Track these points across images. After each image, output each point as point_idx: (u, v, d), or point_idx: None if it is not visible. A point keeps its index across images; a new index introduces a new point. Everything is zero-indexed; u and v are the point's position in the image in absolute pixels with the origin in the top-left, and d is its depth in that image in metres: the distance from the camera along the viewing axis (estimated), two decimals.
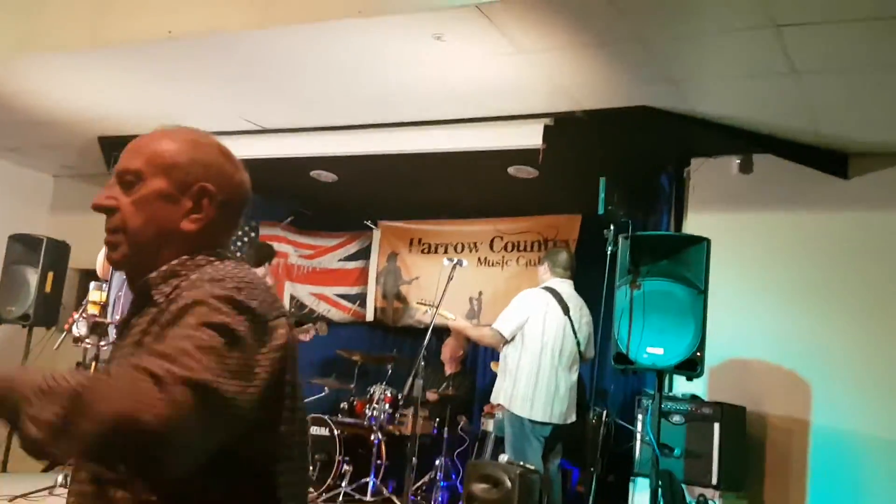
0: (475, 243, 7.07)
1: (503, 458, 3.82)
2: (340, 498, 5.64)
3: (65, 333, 4.06)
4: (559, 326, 4.40)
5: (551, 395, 4.28)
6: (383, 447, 5.91)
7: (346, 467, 5.75)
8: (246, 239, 7.28)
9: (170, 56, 4.54)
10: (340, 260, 7.49)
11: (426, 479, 6.07)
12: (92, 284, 4.26)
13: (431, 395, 6.28)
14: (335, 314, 7.36)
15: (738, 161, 4.93)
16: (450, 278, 4.40)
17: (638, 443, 4.39)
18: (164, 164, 1.29)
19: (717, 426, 4.17)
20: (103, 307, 3.98)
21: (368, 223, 7.38)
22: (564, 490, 5.38)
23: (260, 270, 5.49)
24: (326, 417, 5.95)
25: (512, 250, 6.92)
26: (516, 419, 4.22)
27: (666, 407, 4.31)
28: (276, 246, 7.39)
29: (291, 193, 7.23)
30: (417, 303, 4.87)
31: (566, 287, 4.60)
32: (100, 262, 4.27)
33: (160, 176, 1.28)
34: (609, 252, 3.64)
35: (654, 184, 5.38)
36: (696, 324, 3.44)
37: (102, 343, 3.91)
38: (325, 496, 5.65)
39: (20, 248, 5.90)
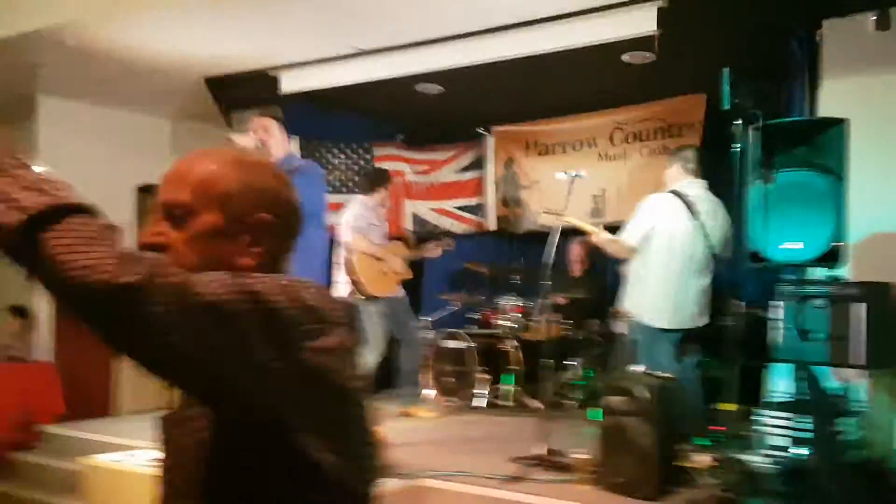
0: (593, 139, 6.83)
1: (638, 368, 3.76)
2: (482, 404, 5.82)
3: None
4: (687, 232, 4.19)
5: (680, 301, 4.14)
6: (519, 353, 6.01)
7: (484, 376, 5.90)
8: (361, 163, 7.38)
9: None
10: (457, 172, 7.47)
11: (563, 380, 6.15)
12: None
13: (560, 299, 6.27)
14: (458, 227, 7.41)
15: (874, 18, 4.41)
16: (570, 193, 4.28)
17: (778, 330, 4.22)
18: (216, 196, 1.15)
19: (863, 306, 3.92)
20: None
21: (480, 130, 7.26)
22: (704, 381, 5.30)
23: (376, 196, 5.57)
24: (461, 331, 6.10)
25: (633, 141, 6.63)
26: (646, 326, 4.13)
27: (807, 291, 4.09)
28: (391, 165, 7.46)
29: (400, 111, 7.22)
30: (545, 212, 4.78)
31: (695, 188, 4.34)
32: None
33: (213, 209, 1.15)
34: (740, 149, 3.37)
35: (784, 54, 4.94)
36: (837, 213, 3.17)
37: None
38: (466, 404, 5.86)
39: (149, 197, 6.25)
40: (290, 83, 5.99)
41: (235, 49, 5.61)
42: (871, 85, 4.45)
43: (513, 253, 7.20)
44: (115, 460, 3.64)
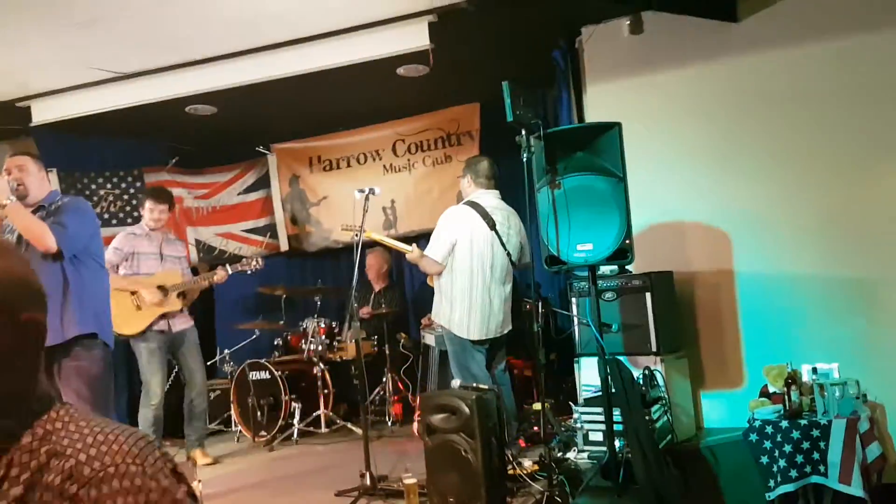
0: (377, 151, 6.82)
1: (455, 383, 3.78)
2: (295, 435, 5.59)
3: None
4: (486, 243, 4.28)
5: (486, 313, 4.24)
6: (328, 376, 5.85)
7: (294, 405, 5.66)
8: (132, 191, 6.78)
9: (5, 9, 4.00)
10: (240, 193, 7.11)
11: (376, 395, 6.09)
12: None
13: (364, 312, 6.20)
14: (247, 250, 7.06)
15: (628, 22, 4.79)
16: (365, 210, 4.18)
17: (576, 325, 4.44)
18: None
19: (648, 295, 4.24)
20: None
21: (261, 149, 6.97)
22: (513, 382, 5.48)
23: (142, 221, 5.22)
24: (264, 361, 5.80)
25: (416, 152, 6.71)
26: (456, 339, 4.18)
27: (598, 286, 4.34)
28: None
29: (171, 134, 6.73)
30: (344, 229, 4.61)
31: (490, 198, 4.43)
32: None
33: None
34: (526, 159, 3.48)
35: (549, 64, 5.21)
36: (621, 212, 3.37)
37: None
38: (280, 437, 5.59)
39: None
40: (43, 113, 5.35)
41: None
42: (632, 86, 4.81)
43: (308, 274, 7.02)
44: None
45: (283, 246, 7.01)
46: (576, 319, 4.43)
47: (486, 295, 4.23)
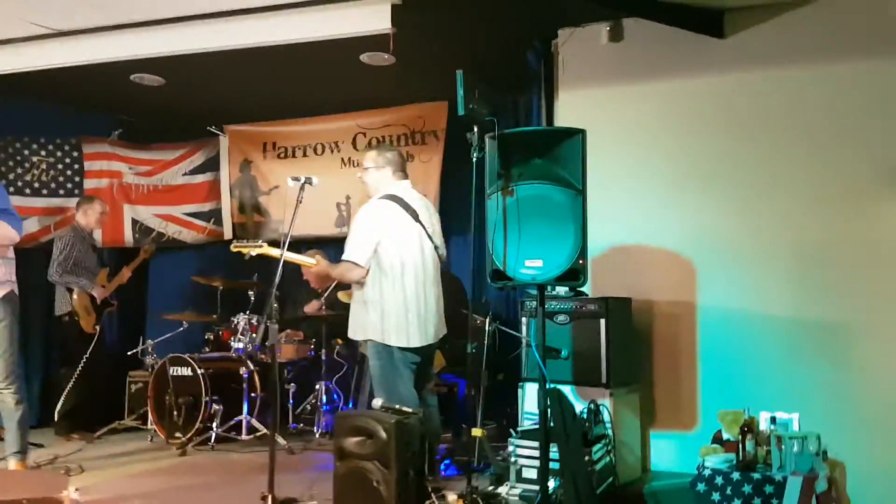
0: (336, 143, 6.42)
1: (377, 402, 3.37)
2: (212, 441, 5.14)
3: None
4: (413, 237, 3.86)
5: (422, 315, 3.79)
6: (256, 378, 5.43)
7: (215, 407, 5.22)
8: (67, 160, 6.31)
9: None
10: (185, 174, 6.66)
11: (307, 404, 5.68)
12: None
13: (313, 307, 5.75)
14: (187, 235, 6.62)
15: (608, 28, 4.49)
16: (299, 200, 3.72)
17: (523, 347, 4.10)
18: None
19: (602, 322, 3.91)
20: None
21: (213, 129, 6.54)
22: (453, 402, 5.10)
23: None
24: (186, 356, 5.35)
25: (377, 147, 6.32)
26: (384, 351, 3.72)
27: (549, 307, 4.00)
28: (105, 164, 6.51)
29: (113, 103, 6.27)
30: (236, 246, 4.06)
31: (406, 188, 3.99)
32: None
33: None
34: (475, 158, 3.12)
35: (522, 63, 4.87)
36: (577, 229, 3.01)
37: None
38: (195, 440, 5.15)
39: None
40: None
41: None
42: (607, 96, 4.49)
43: (249, 267, 6.57)
44: None
45: (228, 234, 6.57)
46: (524, 341, 4.09)
47: (422, 295, 3.78)
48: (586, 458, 3.21)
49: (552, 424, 3.05)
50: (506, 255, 3.06)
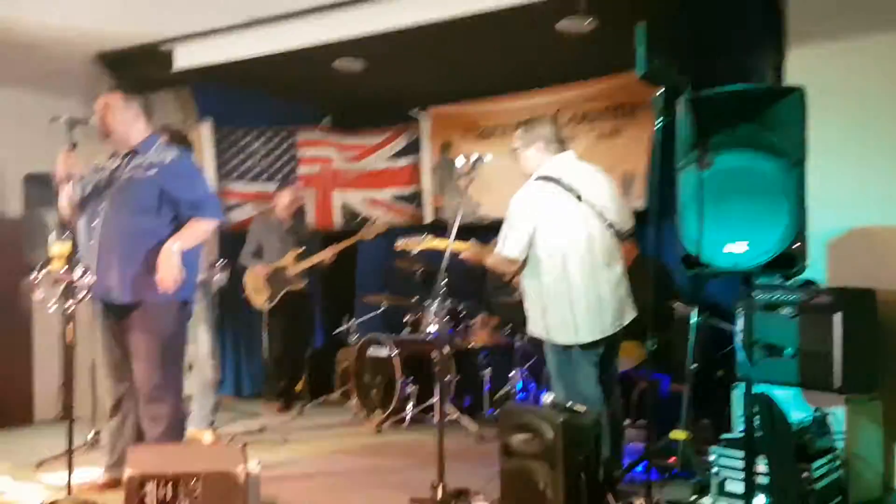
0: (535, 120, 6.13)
1: (548, 398, 3.06)
2: (406, 422, 5.14)
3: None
4: (576, 220, 3.45)
5: (594, 306, 3.40)
6: (451, 363, 5.34)
7: (410, 388, 5.21)
8: (284, 147, 6.65)
9: None
10: (389, 158, 6.73)
11: (503, 392, 5.50)
12: (52, 235, 3.64)
13: (500, 302, 5.59)
14: (392, 219, 6.69)
15: None
16: (469, 181, 3.50)
17: (738, 343, 3.59)
18: None
19: (837, 317, 3.30)
20: (69, 260, 3.28)
21: (413, 113, 6.53)
22: (657, 398, 4.65)
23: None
24: (384, 337, 5.39)
25: (582, 122, 5.95)
26: (559, 348, 3.39)
27: (773, 298, 3.46)
28: (318, 151, 6.77)
29: (322, 91, 6.49)
30: (398, 247, 4.15)
31: (564, 164, 3.58)
32: (63, 201, 3.59)
33: None
34: (660, 126, 2.68)
35: (739, 16, 4.27)
36: (792, 205, 2.46)
37: (69, 304, 3.23)
38: (391, 420, 5.17)
39: (36, 188, 5.45)
40: (185, 58, 5.22)
41: (128, 21, 4.84)
42: (843, 52, 3.81)
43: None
44: None
45: (428, 217, 6.54)
46: (738, 335, 3.58)
47: (592, 283, 3.39)
48: (804, 474, 2.67)
49: (761, 434, 2.56)
50: (701, 238, 2.59)
